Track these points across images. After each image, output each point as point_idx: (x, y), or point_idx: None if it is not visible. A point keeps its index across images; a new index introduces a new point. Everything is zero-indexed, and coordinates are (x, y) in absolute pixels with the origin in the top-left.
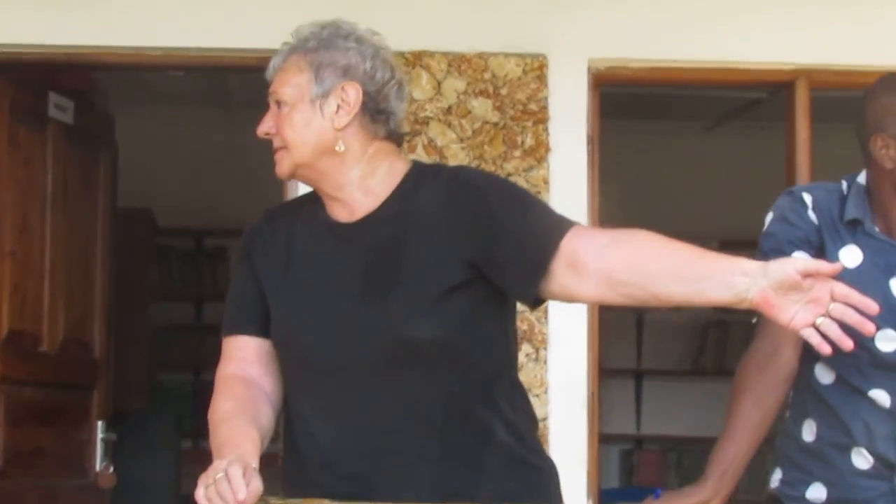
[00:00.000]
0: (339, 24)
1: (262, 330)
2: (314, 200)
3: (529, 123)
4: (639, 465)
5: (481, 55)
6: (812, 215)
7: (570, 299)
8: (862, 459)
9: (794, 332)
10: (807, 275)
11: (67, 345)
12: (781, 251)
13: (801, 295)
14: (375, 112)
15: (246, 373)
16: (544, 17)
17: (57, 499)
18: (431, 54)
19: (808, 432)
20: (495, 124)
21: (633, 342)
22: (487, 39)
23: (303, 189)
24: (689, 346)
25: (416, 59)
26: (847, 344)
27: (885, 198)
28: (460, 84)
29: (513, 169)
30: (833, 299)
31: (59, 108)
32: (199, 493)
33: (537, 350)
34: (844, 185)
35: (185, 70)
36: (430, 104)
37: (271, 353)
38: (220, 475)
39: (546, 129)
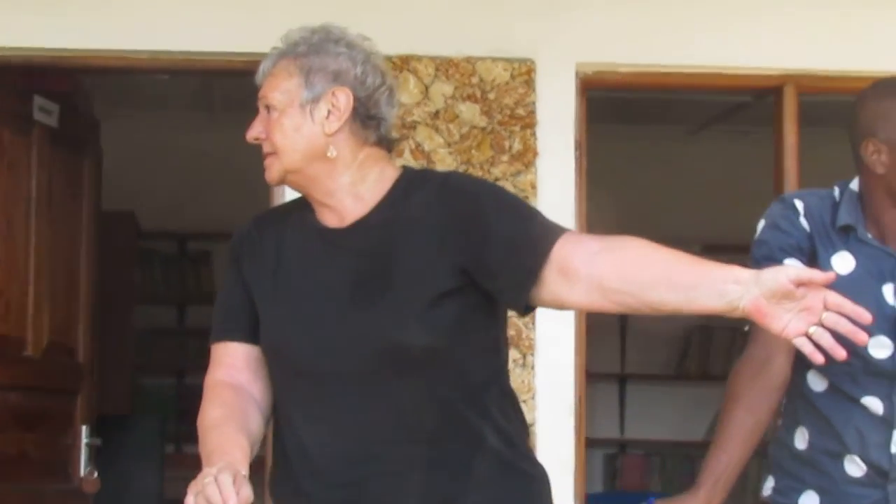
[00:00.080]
0: (329, 29)
1: (250, 336)
2: (303, 206)
3: (517, 128)
4: (622, 469)
5: (469, 59)
6: (804, 222)
7: (560, 306)
8: (855, 467)
9: (787, 340)
10: (800, 283)
11: (52, 349)
12: (773, 258)
13: (794, 303)
14: (366, 118)
15: (235, 379)
16: (532, 22)
17: None
18: (419, 58)
19: (801, 440)
20: (483, 129)
21: (617, 346)
22: (475, 44)
23: (290, 193)
24: (672, 350)
25: (404, 64)
26: (840, 353)
27: (877, 203)
28: (448, 88)
29: (500, 174)
30: (826, 308)
31: (44, 111)
32: (189, 501)
33: (524, 355)
34: (837, 191)
35: (171, 73)
36: (417, 109)
37: (260, 360)
38: (209, 482)
39: (534, 134)
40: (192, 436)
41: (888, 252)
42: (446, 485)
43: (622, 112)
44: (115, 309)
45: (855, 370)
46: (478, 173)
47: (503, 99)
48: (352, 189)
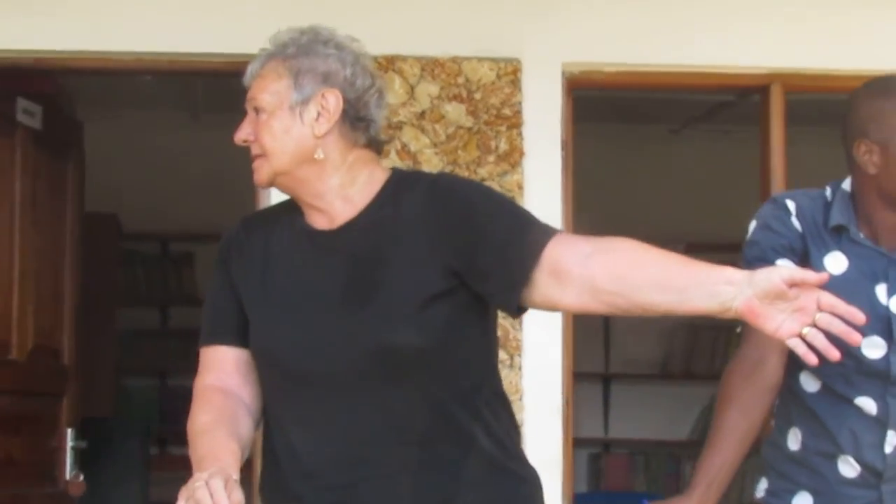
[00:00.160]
0: (318, 30)
1: (239, 339)
2: (292, 208)
3: (503, 128)
4: (606, 468)
5: (455, 59)
6: (795, 222)
7: (552, 308)
8: (849, 468)
9: (780, 341)
10: (792, 284)
11: (37, 352)
12: (765, 259)
13: (787, 304)
14: (355, 119)
15: (224, 383)
16: (518, 22)
17: None
18: (404, 58)
19: (794, 441)
20: (469, 129)
21: (601, 346)
22: (461, 44)
23: (275, 195)
24: (656, 350)
25: (389, 64)
26: (834, 354)
27: (869, 204)
28: (434, 89)
29: (487, 174)
30: (819, 309)
31: (28, 113)
32: None
33: (512, 356)
34: (828, 191)
35: (155, 75)
36: (403, 109)
37: (249, 363)
38: (200, 486)
39: (520, 134)
40: (175, 437)
41: (881, 252)
42: (438, 487)
43: (604, 111)
44: (97, 311)
45: (848, 370)
46: (464, 174)
47: (489, 99)
48: (341, 191)
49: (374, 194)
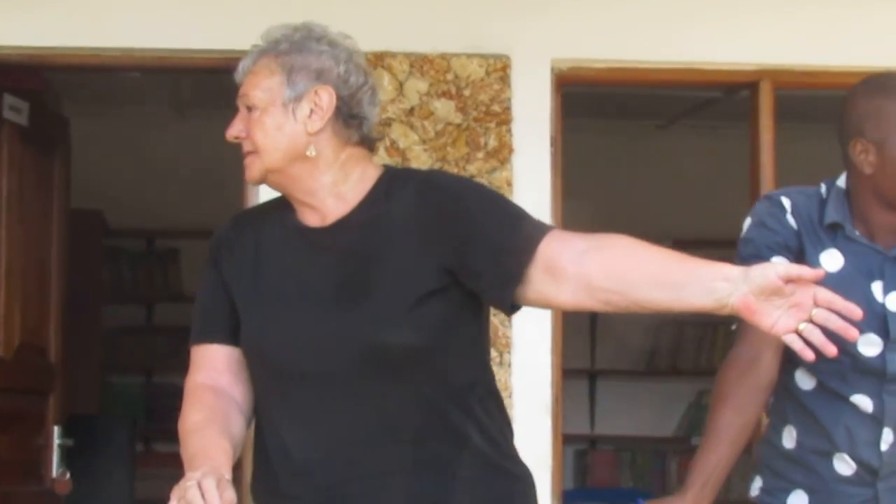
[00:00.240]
0: (311, 27)
1: (231, 338)
2: (283, 205)
3: (492, 125)
4: (593, 465)
5: (444, 56)
6: (791, 220)
7: (547, 305)
8: (844, 466)
9: (776, 338)
10: (789, 280)
11: (23, 350)
12: (760, 257)
13: (784, 300)
14: (348, 117)
15: (216, 382)
16: (507, 18)
17: None
18: (393, 55)
19: (789, 439)
20: (458, 126)
21: (587, 342)
22: (450, 40)
23: (264, 191)
24: (642, 346)
25: (378, 60)
26: (831, 350)
27: (864, 203)
28: (422, 85)
29: (476, 171)
30: (816, 304)
31: (14, 109)
32: None
33: (501, 354)
34: (823, 188)
35: (143, 71)
36: (392, 105)
37: (241, 362)
38: (191, 486)
39: (509, 131)
40: (161, 434)
41: (876, 249)
42: (431, 486)
43: (591, 107)
44: (83, 308)
45: (844, 368)
46: (453, 170)
47: (478, 95)
48: (333, 189)
49: (367, 192)
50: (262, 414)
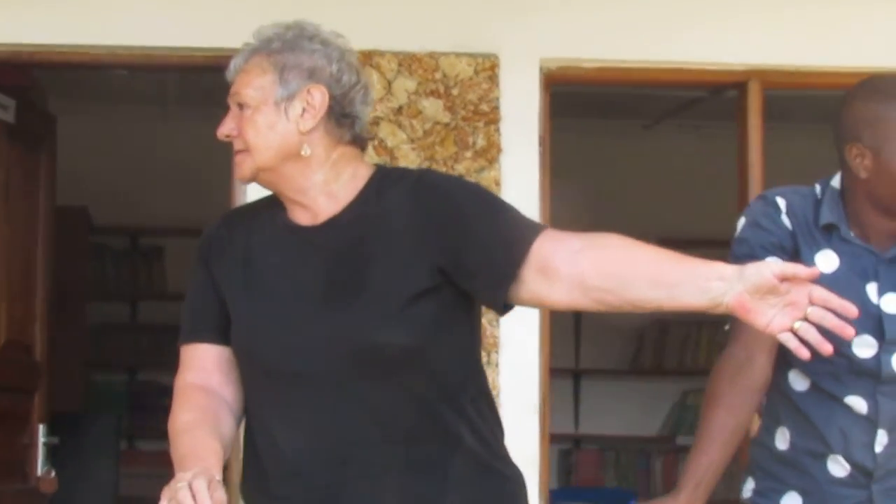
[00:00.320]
0: (303, 26)
1: (221, 337)
2: (274, 204)
3: (481, 124)
4: (577, 464)
5: (432, 55)
6: (786, 220)
7: (540, 305)
8: (838, 467)
9: (771, 337)
10: (784, 278)
11: (9, 347)
12: (754, 257)
13: (778, 299)
14: (341, 116)
15: (206, 382)
16: (496, 17)
17: None
18: (382, 53)
19: (782, 440)
20: (446, 125)
21: (571, 342)
22: (438, 39)
23: (251, 189)
24: (627, 345)
25: (367, 59)
26: (826, 348)
27: (859, 206)
28: (411, 84)
29: (464, 170)
30: (811, 303)
31: (1, 106)
32: None
33: (489, 353)
34: (818, 189)
35: (129, 69)
36: (380, 104)
37: (231, 361)
38: (182, 487)
39: (497, 130)
40: (145, 432)
41: (871, 251)
42: (424, 486)
43: (577, 106)
44: (68, 305)
45: (838, 369)
46: (441, 169)
47: (467, 94)
48: (325, 187)
49: (359, 191)
50: (253, 414)
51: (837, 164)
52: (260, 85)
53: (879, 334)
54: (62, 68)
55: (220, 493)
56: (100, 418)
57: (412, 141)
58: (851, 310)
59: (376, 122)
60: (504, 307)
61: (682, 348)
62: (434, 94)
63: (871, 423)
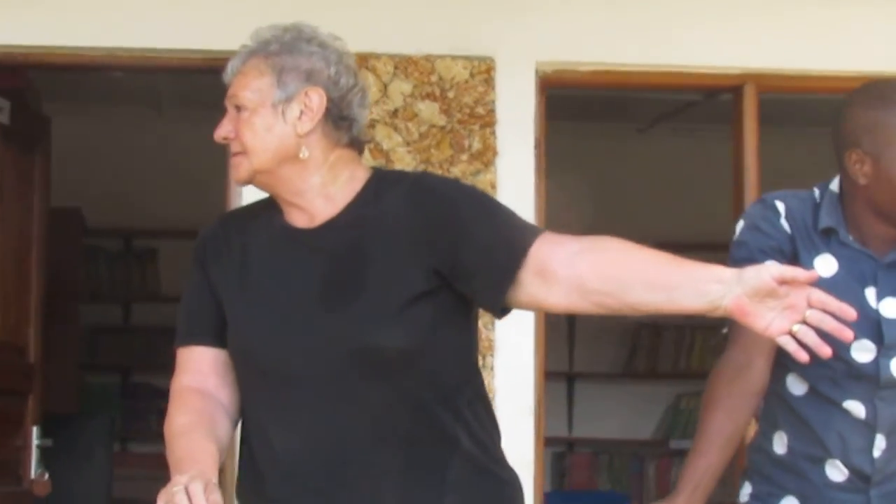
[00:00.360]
0: (300, 28)
1: (217, 340)
2: (271, 206)
3: (476, 127)
4: (571, 467)
5: (428, 57)
6: (785, 224)
7: (538, 308)
8: (837, 472)
9: (769, 340)
10: (783, 281)
11: (2, 350)
12: (753, 260)
13: (777, 302)
14: (338, 119)
15: (202, 384)
16: (492, 20)
17: None
18: (378, 56)
19: (780, 444)
20: (442, 128)
21: (565, 345)
22: (434, 42)
23: (246, 192)
24: (620, 348)
25: (362, 62)
26: (825, 351)
27: (858, 211)
28: (407, 87)
29: (460, 173)
30: (810, 306)
31: None
32: None
33: (484, 356)
34: (817, 192)
35: (125, 70)
36: (376, 107)
37: (227, 364)
38: (178, 490)
39: (493, 133)
40: (138, 434)
41: (870, 255)
42: (423, 489)
43: (572, 109)
44: (61, 307)
45: (837, 374)
46: (437, 172)
47: (462, 97)
48: (322, 190)
49: (356, 193)
50: (250, 416)
51: (832, 168)
52: (257, 87)
53: (878, 339)
54: (57, 70)
55: (217, 496)
56: (93, 420)
57: (408, 144)
58: (850, 312)
59: (372, 124)
60: (502, 310)
61: (675, 352)
62: (430, 96)
63: (869, 428)
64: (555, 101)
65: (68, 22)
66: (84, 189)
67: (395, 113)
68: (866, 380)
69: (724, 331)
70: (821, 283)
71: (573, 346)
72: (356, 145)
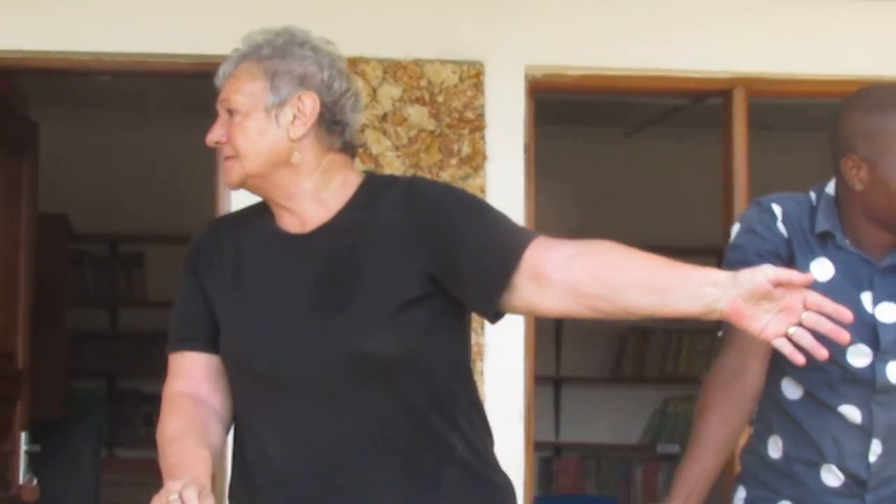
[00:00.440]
0: (293, 32)
1: (209, 345)
2: (262, 211)
3: (466, 131)
4: (558, 472)
5: (417, 62)
6: (781, 227)
7: (532, 312)
8: (832, 476)
9: (764, 344)
10: (778, 284)
11: None
12: (749, 263)
13: (773, 304)
14: (331, 123)
15: (194, 390)
16: (481, 24)
17: None
18: (367, 61)
19: (775, 449)
20: (431, 132)
21: (552, 349)
22: (423, 46)
23: (235, 196)
24: (607, 353)
25: (351, 66)
26: (821, 352)
27: (853, 217)
28: (396, 91)
29: (449, 177)
30: (806, 308)
31: None
32: None
33: (473, 361)
34: (813, 195)
35: (113, 75)
36: (364, 111)
37: (220, 369)
38: (173, 497)
39: (482, 137)
40: (124, 440)
41: (866, 259)
42: (416, 494)
43: (559, 114)
44: (48, 312)
45: (832, 378)
46: (426, 177)
47: (452, 102)
48: (315, 194)
49: (348, 198)
50: (242, 423)
51: (821, 172)
52: (250, 91)
53: (874, 343)
54: (45, 75)
55: (211, 502)
56: (80, 426)
57: (397, 148)
58: (846, 314)
59: (361, 129)
60: (495, 315)
61: (662, 356)
62: (419, 101)
63: (865, 433)
64: (541, 105)
65: (55, 26)
66: (70, 194)
67: (384, 117)
68: (862, 384)
69: (720, 333)
70: (817, 287)
71: (560, 350)
72: (349, 150)
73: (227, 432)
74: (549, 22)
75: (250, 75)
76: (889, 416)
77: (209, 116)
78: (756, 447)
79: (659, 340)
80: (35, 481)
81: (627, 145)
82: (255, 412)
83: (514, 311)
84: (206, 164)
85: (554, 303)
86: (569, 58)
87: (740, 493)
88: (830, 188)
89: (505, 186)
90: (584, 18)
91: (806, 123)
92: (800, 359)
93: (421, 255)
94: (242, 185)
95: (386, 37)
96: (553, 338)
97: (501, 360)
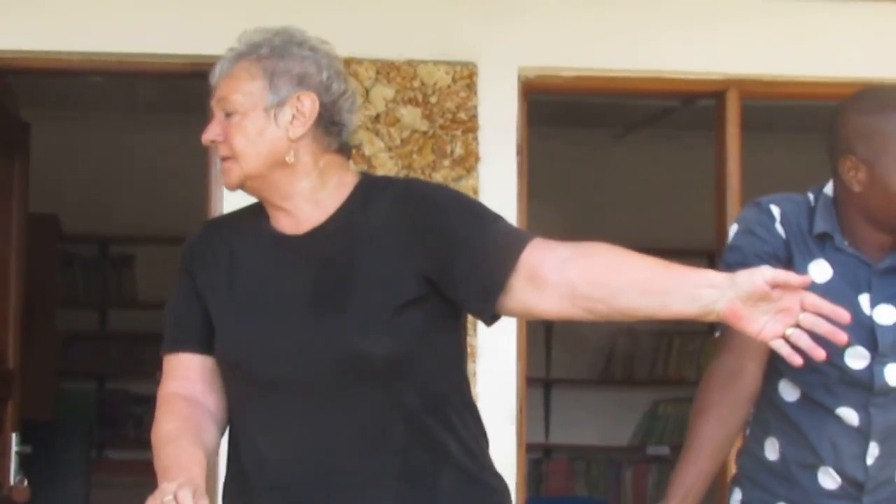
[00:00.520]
0: (290, 32)
1: (204, 346)
2: (257, 212)
3: (459, 132)
4: (548, 474)
5: (410, 63)
6: (780, 228)
7: (528, 315)
8: (829, 479)
9: (761, 346)
10: (775, 285)
11: None
12: (747, 264)
13: (770, 305)
14: (329, 124)
15: (189, 391)
16: (474, 25)
17: None
18: (360, 61)
19: (772, 450)
20: (424, 133)
21: (542, 351)
22: (417, 47)
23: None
24: (598, 355)
25: (344, 66)
26: (819, 354)
27: (852, 218)
28: (389, 92)
29: (442, 178)
30: (804, 309)
31: None
32: None
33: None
34: (811, 196)
35: (104, 75)
36: (357, 112)
37: (214, 370)
38: (168, 498)
39: (475, 139)
40: (114, 441)
41: (864, 261)
42: (412, 497)
43: (550, 115)
44: (38, 313)
45: (830, 380)
46: (419, 178)
47: (445, 103)
48: (311, 195)
49: (344, 199)
50: (237, 424)
51: (814, 174)
52: (249, 90)
53: (872, 346)
54: (36, 75)
55: (205, 503)
56: (71, 427)
57: (390, 149)
58: (843, 315)
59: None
60: (492, 317)
61: (652, 358)
62: (412, 102)
63: (862, 436)
64: (533, 107)
65: (46, 27)
66: (60, 195)
67: (376, 118)
68: (860, 387)
69: (717, 334)
70: (815, 289)
71: (550, 352)
72: (345, 150)
73: (221, 433)
74: (542, 23)
75: (249, 74)
76: (887, 419)
77: (200, 117)
78: (753, 449)
79: (649, 343)
80: (25, 482)
81: (618, 147)
82: (249, 413)
83: (511, 313)
84: (197, 165)
85: (551, 305)
86: (562, 59)
87: (736, 496)
88: (829, 189)
89: (498, 188)
90: (577, 20)
91: (799, 125)
92: (797, 360)
93: (417, 256)
94: (241, 186)
95: (379, 37)
96: (543, 340)
97: (494, 361)
